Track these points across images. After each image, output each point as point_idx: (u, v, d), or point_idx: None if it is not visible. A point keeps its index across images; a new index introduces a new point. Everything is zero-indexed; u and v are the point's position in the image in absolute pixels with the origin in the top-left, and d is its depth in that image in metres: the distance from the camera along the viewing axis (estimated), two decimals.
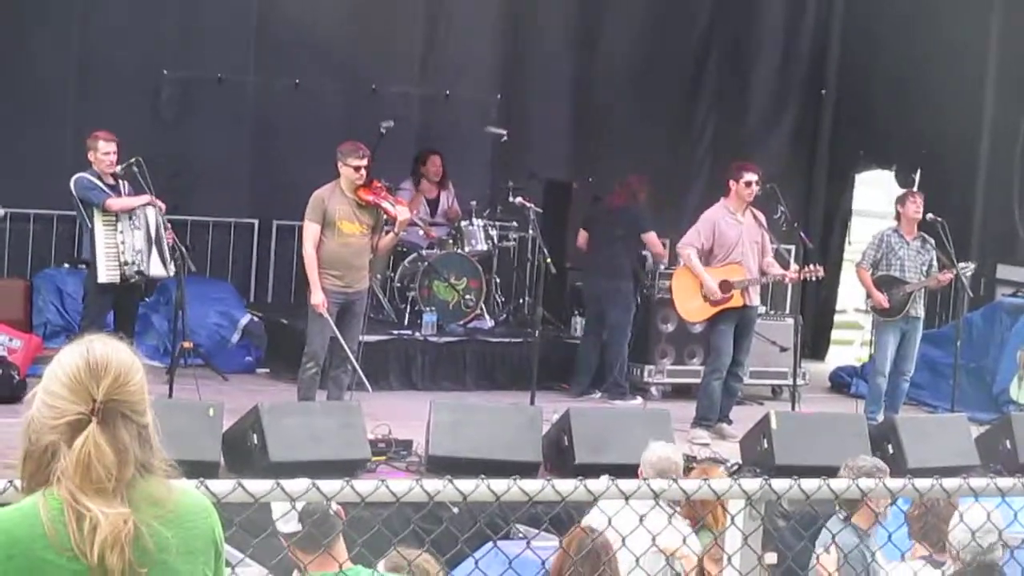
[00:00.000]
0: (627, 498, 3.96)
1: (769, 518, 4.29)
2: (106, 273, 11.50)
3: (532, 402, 12.10)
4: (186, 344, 12.09)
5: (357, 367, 11.45)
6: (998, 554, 6.59)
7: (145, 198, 11.61)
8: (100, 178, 11.57)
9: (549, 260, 12.94)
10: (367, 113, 15.01)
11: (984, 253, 16.01)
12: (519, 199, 14.21)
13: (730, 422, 12.71)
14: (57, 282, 14.23)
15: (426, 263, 14.46)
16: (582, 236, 14.47)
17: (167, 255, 11.67)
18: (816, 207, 18.14)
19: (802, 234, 13.80)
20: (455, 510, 7.88)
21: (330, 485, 3.64)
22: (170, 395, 11.09)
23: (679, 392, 14.40)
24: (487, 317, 14.84)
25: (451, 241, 14.81)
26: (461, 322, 14.58)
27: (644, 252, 14.39)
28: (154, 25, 15.21)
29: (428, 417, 10.61)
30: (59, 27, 14.70)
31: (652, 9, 17.29)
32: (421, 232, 14.60)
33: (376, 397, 11.95)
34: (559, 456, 10.76)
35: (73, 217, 11.84)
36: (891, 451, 11.41)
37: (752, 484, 4.18)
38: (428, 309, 14.28)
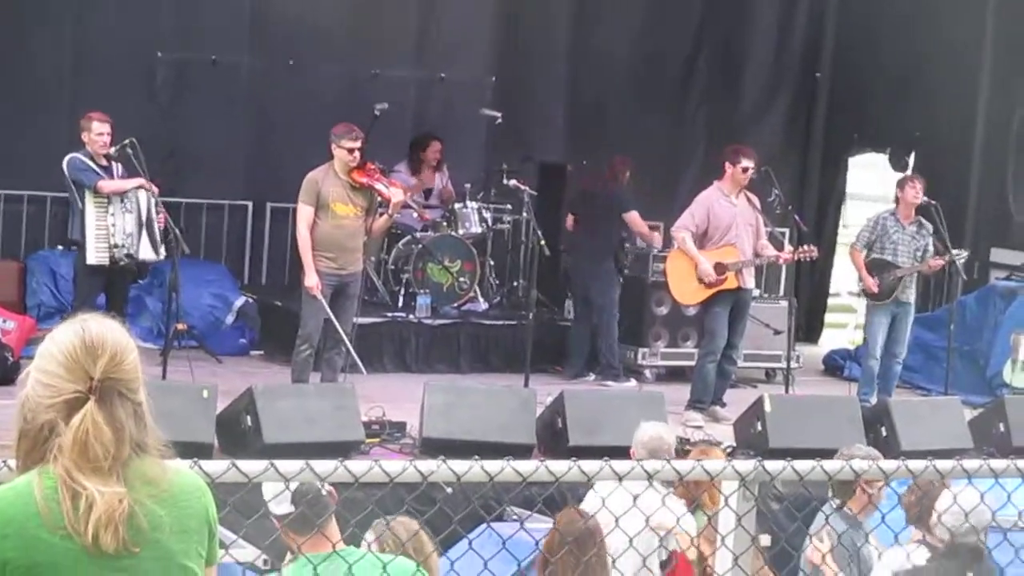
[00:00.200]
0: (620, 479, 3.97)
1: (763, 500, 4.30)
2: (95, 255, 11.46)
3: (526, 384, 12.11)
4: (180, 326, 12.08)
5: (351, 349, 11.45)
6: (974, 538, 6.61)
7: (137, 181, 11.57)
8: (93, 159, 11.54)
9: (543, 243, 12.94)
10: (362, 95, 14.98)
11: (978, 236, 16.02)
12: (513, 182, 14.19)
13: (724, 405, 12.71)
14: (51, 264, 14.22)
15: (420, 245, 14.45)
16: (570, 220, 14.49)
17: (158, 239, 11.64)
18: (810, 190, 18.12)
19: (796, 217, 13.80)
20: (449, 491, 7.89)
21: (324, 465, 3.65)
22: (164, 377, 11.08)
23: (673, 375, 14.41)
24: (481, 299, 14.84)
25: (445, 223, 14.80)
26: (455, 304, 14.57)
27: (626, 234, 14.38)
28: (149, 7, 15.19)
29: (422, 399, 10.62)
30: (55, 9, 14.66)
31: None
32: (415, 214, 14.58)
33: (370, 379, 11.95)
34: (553, 438, 10.76)
35: (67, 199, 11.82)
36: (884, 434, 11.44)
37: (746, 465, 4.19)
38: (422, 291, 14.28)
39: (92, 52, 14.87)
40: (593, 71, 17.06)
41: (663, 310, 14.52)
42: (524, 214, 14.86)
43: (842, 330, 18.90)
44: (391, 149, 14.63)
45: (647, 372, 14.49)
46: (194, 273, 13.76)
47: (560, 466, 3.92)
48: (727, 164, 12.56)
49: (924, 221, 13.25)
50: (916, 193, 13.11)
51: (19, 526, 2.90)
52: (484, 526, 6.62)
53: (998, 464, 4.51)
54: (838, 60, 18.00)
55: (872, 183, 19.96)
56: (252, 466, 3.56)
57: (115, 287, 11.73)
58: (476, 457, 3.83)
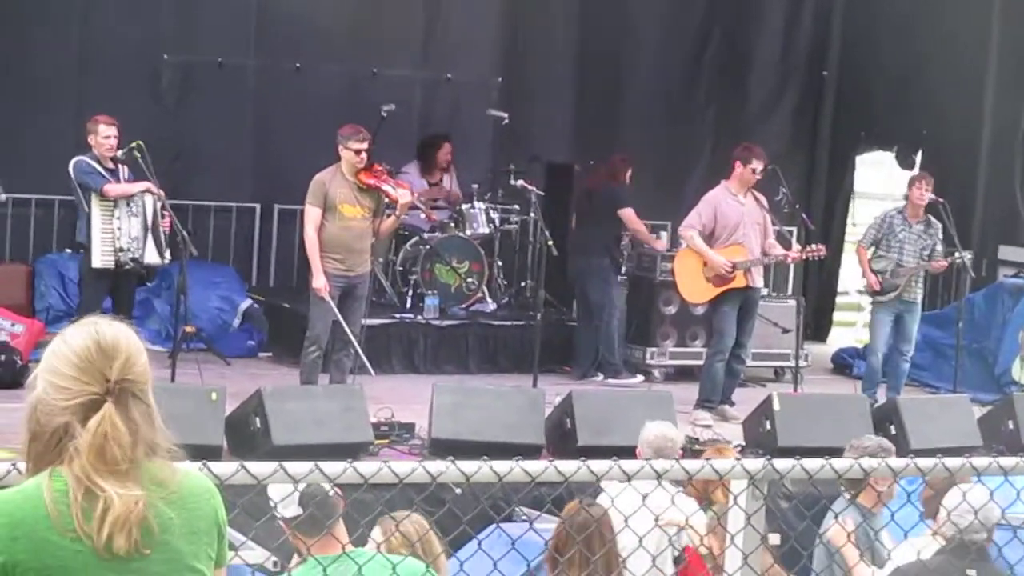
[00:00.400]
0: (630, 478, 3.96)
1: (772, 499, 4.30)
2: (100, 258, 11.47)
3: (534, 385, 12.09)
4: (188, 329, 12.08)
5: (359, 351, 11.45)
6: (980, 536, 6.62)
7: (143, 185, 11.58)
8: (99, 162, 11.54)
9: (551, 243, 12.93)
10: (368, 97, 15.00)
11: (986, 233, 16.01)
12: (520, 182, 14.19)
13: (732, 404, 12.71)
14: (59, 267, 14.23)
15: (428, 246, 14.45)
16: (574, 220, 14.51)
17: (163, 242, 11.65)
18: (818, 189, 18.12)
19: (804, 216, 13.79)
20: (458, 491, 7.88)
21: (333, 467, 3.64)
22: (172, 379, 11.08)
23: (682, 374, 14.40)
24: (489, 300, 14.83)
25: (453, 224, 14.80)
26: (463, 305, 14.57)
27: (625, 232, 14.37)
28: (155, 9, 15.20)
29: (430, 400, 10.60)
30: (60, 12, 14.68)
31: None
32: (423, 215, 14.58)
33: (378, 380, 11.94)
34: (561, 439, 10.75)
35: (74, 202, 11.82)
36: (893, 432, 11.41)
37: (755, 464, 4.19)
38: (430, 292, 14.27)
39: (98, 55, 14.87)
40: (600, 71, 17.06)
41: (671, 309, 14.51)
42: (531, 214, 14.86)
43: (851, 328, 18.87)
44: (398, 150, 14.63)
45: (656, 371, 14.49)
46: (202, 275, 13.77)
47: (569, 466, 3.91)
48: (737, 163, 12.53)
49: (933, 220, 13.23)
50: (921, 193, 13.09)
51: (29, 529, 2.90)
52: (493, 526, 6.61)
53: (1007, 462, 4.51)
54: (845, 59, 17.99)
55: (880, 181, 19.93)
56: (261, 468, 3.55)
57: (121, 290, 11.73)
58: (485, 457, 3.83)
